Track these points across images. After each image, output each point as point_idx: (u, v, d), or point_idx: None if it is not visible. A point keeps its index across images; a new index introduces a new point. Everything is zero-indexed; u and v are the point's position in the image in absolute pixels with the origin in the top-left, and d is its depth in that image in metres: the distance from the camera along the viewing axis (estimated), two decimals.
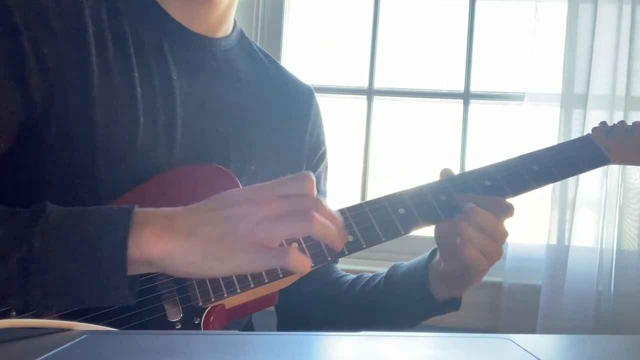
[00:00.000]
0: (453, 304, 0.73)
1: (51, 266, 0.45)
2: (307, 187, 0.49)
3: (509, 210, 0.63)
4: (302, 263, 0.47)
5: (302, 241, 0.57)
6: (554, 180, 0.69)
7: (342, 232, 0.50)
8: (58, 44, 0.58)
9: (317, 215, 0.47)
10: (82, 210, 0.48)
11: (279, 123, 0.78)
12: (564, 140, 0.76)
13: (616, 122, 0.78)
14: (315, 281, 0.77)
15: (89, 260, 0.45)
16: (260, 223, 0.46)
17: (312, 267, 0.56)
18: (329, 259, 0.57)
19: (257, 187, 0.50)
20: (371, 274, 0.80)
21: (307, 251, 0.56)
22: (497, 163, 0.68)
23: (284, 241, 0.52)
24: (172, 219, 0.48)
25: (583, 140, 0.74)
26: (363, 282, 0.78)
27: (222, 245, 0.46)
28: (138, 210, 0.48)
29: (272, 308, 0.66)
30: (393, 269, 0.77)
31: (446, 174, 0.67)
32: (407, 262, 0.76)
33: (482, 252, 0.63)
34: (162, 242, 0.46)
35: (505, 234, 0.64)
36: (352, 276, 0.82)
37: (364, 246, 0.60)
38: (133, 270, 0.46)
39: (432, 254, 0.73)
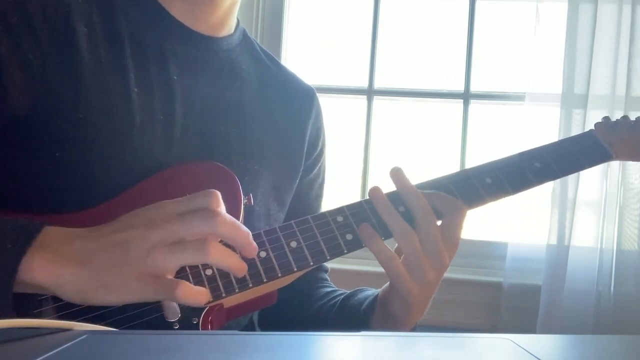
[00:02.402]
0: None
1: None
2: (211, 204, 0.48)
3: (455, 209, 0.61)
4: (193, 296, 0.46)
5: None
6: (555, 176, 0.68)
7: (249, 247, 0.49)
8: (43, 49, 0.58)
9: (212, 244, 0.46)
10: None
11: (281, 122, 0.78)
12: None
13: (619, 118, 0.77)
14: (294, 287, 0.76)
15: None
16: (153, 250, 0.45)
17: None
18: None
19: (158, 205, 0.48)
20: (341, 292, 0.77)
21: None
22: (498, 160, 0.68)
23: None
24: (69, 244, 0.47)
25: (585, 136, 0.73)
26: (325, 300, 0.77)
27: (111, 274, 0.45)
28: (45, 229, 0.47)
29: None
30: (352, 294, 0.74)
31: (374, 193, 0.63)
32: (370, 290, 0.73)
33: (407, 264, 0.59)
34: (52, 269, 0.45)
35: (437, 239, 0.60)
36: (329, 289, 0.80)
37: (363, 245, 0.60)
38: (22, 290, 0.46)
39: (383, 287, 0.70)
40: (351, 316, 0.70)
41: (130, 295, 0.46)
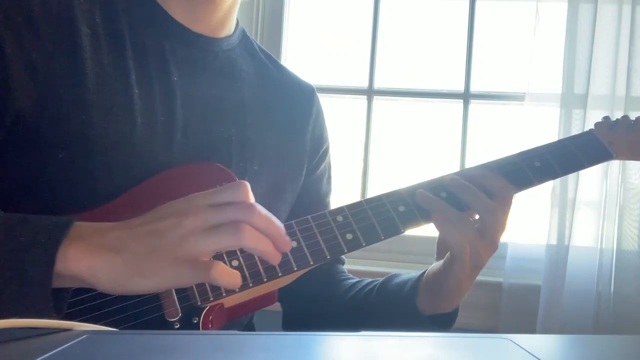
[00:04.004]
0: (444, 323, 0.70)
1: None
2: (241, 195, 0.48)
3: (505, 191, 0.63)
4: (228, 278, 0.47)
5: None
6: (555, 176, 0.69)
7: (283, 239, 0.49)
8: (47, 49, 0.58)
9: (248, 228, 0.46)
10: (20, 219, 0.48)
11: (281, 122, 0.78)
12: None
13: (619, 117, 0.77)
14: (316, 282, 0.77)
15: (16, 271, 0.44)
16: (187, 236, 0.46)
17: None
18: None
19: (190, 197, 0.49)
20: (370, 280, 0.79)
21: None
22: (498, 159, 0.68)
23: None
24: (103, 235, 0.47)
25: (586, 136, 0.73)
26: (358, 288, 0.78)
27: (147, 260, 0.45)
28: (76, 224, 0.48)
29: (272, 307, 0.67)
30: (389, 279, 0.76)
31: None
32: (407, 274, 0.75)
33: (471, 244, 0.63)
34: (88, 259, 0.45)
35: (502, 223, 0.63)
36: (354, 280, 0.81)
37: (364, 244, 0.60)
38: (60, 284, 0.46)
39: (429, 269, 0.71)
40: (393, 300, 0.71)
41: (166, 281, 0.46)
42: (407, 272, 0.76)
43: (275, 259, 0.49)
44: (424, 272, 0.71)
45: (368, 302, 0.75)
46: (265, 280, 0.55)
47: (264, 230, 0.48)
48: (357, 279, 0.81)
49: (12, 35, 0.57)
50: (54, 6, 0.60)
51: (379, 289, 0.75)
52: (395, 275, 0.76)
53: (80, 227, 0.48)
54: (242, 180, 0.50)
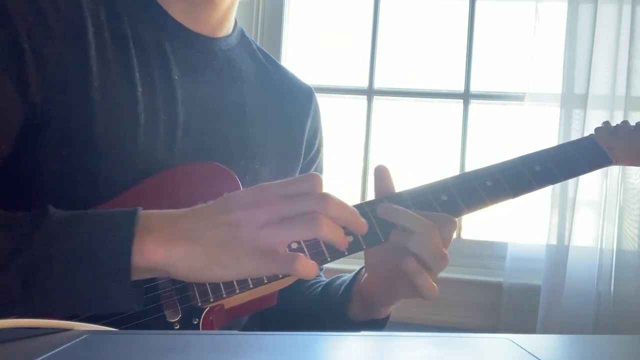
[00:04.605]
0: (377, 327, 0.69)
1: (53, 275, 0.44)
2: (314, 186, 0.48)
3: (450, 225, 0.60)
4: (309, 270, 0.46)
5: (301, 241, 0.56)
6: (556, 181, 0.69)
7: (359, 222, 0.49)
8: (58, 46, 0.58)
9: (322, 218, 0.46)
10: (84, 215, 0.48)
11: (280, 122, 0.78)
12: (564, 141, 0.75)
13: (619, 122, 0.77)
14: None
15: (92, 269, 0.45)
16: (264, 227, 0.46)
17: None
18: (329, 259, 0.57)
19: (261, 188, 0.49)
20: (326, 281, 0.77)
21: (306, 251, 0.56)
22: (499, 163, 0.68)
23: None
24: (175, 224, 0.47)
25: (586, 141, 0.74)
26: (310, 290, 0.77)
27: (226, 250, 0.46)
28: (141, 213, 0.47)
29: None
30: (331, 281, 0.75)
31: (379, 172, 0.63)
32: (347, 275, 0.73)
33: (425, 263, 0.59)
34: (165, 249, 0.45)
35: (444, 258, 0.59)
36: (323, 282, 0.81)
37: (364, 247, 0.60)
38: (137, 276, 0.46)
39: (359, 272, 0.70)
40: (327, 304, 0.71)
41: (244, 271, 0.46)
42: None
43: (344, 245, 0.49)
44: (359, 273, 0.70)
45: (307, 304, 0.75)
46: (265, 281, 0.55)
47: (339, 218, 0.48)
48: (325, 281, 0.80)
49: (27, 33, 0.57)
50: (63, 3, 0.60)
51: (321, 292, 0.74)
52: (338, 277, 0.75)
53: (147, 216, 0.47)
54: (314, 172, 0.50)
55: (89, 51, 0.60)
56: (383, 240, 0.60)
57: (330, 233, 0.47)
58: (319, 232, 0.46)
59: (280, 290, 0.63)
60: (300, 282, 0.80)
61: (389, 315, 0.69)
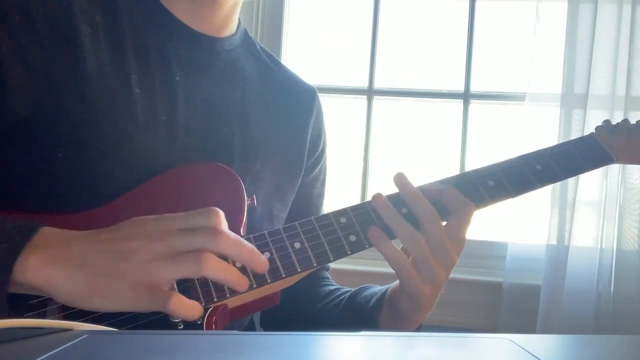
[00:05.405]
0: None
1: None
2: (212, 221, 0.47)
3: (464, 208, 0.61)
4: (186, 310, 0.46)
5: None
6: (557, 179, 0.69)
7: (256, 262, 0.48)
8: (45, 48, 0.58)
9: (210, 257, 0.46)
10: None
11: (283, 122, 0.78)
12: (564, 141, 0.75)
13: (620, 121, 0.77)
14: (297, 285, 0.76)
15: None
16: (152, 261, 0.45)
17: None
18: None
19: (164, 219, 0.48)
20: (345, 290, 0.77)
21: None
22: (500, 162, 0.68)
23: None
24: (68, 247, 0.46)
25: (587, 140, 0.74)
26: (329, 299, 0.77)
27: (108, 282, 0.45)
28: (41, 230, 0.47)
29: None
30: (358, 291, 0.74)
31: (377, 199, 0.61)
32: (376, 287, 0.72)
33: (416, 265, 0.60)
34: (48, 271, 0.45)
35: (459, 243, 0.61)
36: (332, 287, 0.80)
37: (367, 246, 0.60)
38: (17, 290, 0.45)
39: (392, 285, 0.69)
40: (358, 314, 0.70)
41: (124, 304, 0.46)
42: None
43: (241, 285, 0.49)
44: (384, 293, 0.69)
45: (334, 314, 0.74)
46: (269, 281, 0.55)
47: (234, 256, 0.48)
48: (335, 287, 0.80)
49: (9, 34, 0.57)
50: (52, 4, 0.60)
51: (346, 302, 0.74)
52: (365, 288, 0.74)
53: (45, 234, 0.47)
54: (213, 207, 0.49)
55: (82, 53, 0.60)
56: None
57: (216, 272, 0.46)
58: (204, 271, 0.46)
59: (290, 293, 0.63)
60: (314, 288, 0.80)
61: (419, 329, 0.68)
